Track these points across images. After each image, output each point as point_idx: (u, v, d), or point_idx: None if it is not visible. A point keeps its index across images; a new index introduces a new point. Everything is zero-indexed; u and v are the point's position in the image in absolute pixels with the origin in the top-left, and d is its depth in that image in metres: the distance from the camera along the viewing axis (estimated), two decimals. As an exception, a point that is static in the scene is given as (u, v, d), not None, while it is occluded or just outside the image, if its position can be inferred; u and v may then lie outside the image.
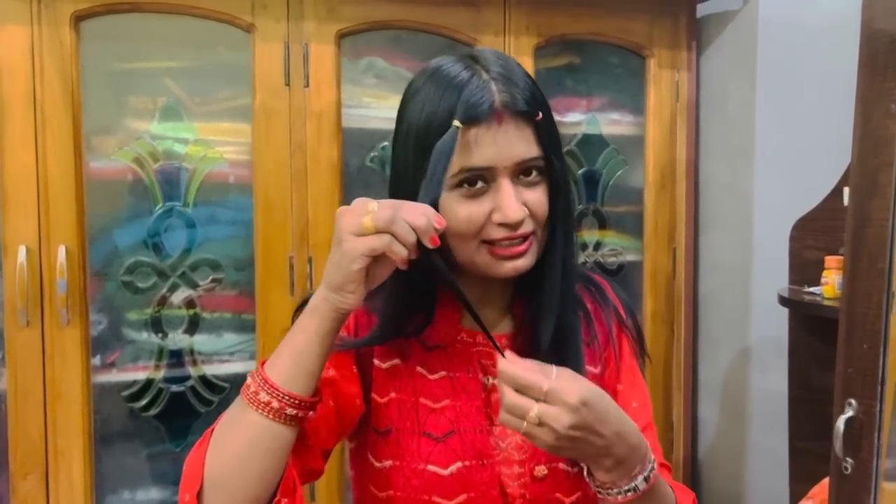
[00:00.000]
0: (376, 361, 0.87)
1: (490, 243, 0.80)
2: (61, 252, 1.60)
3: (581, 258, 2.07)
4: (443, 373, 0.87)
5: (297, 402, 0.73)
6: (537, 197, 0.80)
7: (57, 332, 1.62)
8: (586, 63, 2.07)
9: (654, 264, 2.11)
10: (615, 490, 0.76)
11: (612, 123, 2.09)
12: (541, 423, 0.70)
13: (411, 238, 0.70)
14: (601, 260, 2.09)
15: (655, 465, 0.78)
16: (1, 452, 1.62)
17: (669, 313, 2.13)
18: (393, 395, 0.87)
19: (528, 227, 0.80)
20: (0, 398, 1.63)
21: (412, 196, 0.77)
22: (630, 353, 0.93)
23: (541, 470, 0.86)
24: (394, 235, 0.70)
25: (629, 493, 0.76)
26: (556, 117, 2.03)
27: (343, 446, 1.03)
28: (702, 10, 2.09)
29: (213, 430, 0.77)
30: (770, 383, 1.95)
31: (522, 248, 0.80)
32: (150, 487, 1.81)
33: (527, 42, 1.91)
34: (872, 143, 1.55)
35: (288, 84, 1.75)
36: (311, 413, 0.76)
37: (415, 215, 0.71)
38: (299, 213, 1.76)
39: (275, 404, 0.73)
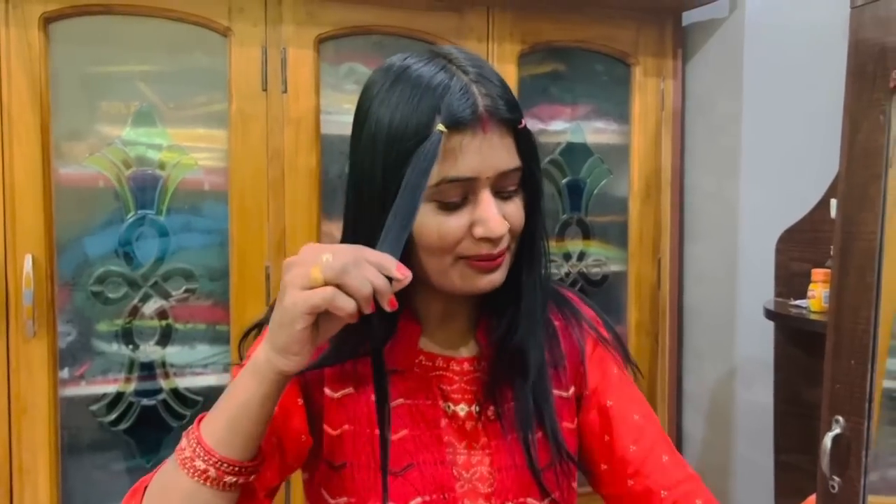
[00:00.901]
0: (327, 391, 0.81)
1: (466, 257, 0.74)
2: (28, 261, 1.55)
3: (565, 268, 2.04)
4: (400, 400, 0.81)
5: (234, 468, 0.68)
6: (515, 209, 0.75)
7: (22, 344, 1.57)
8: (571, 71, 2.04)
9: (638, 275, 2.08)
10: None
11: (597, 132, 2.06)
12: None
13: (365, 291, 0.63)
14: (585, 270, 2.06)
15: None
16: (-37, 469, 1.56)
17: (654, 324, 2.10)
18: (346, 426, 0.80)
19: (505, 242, 0.75)
20: (-38, 412, 1.57)
21: (378, 205, 0.72)
22: (617, 365, 0.88)
23: None
24: (343, 288, 0.63)
25: None
26: (540, 125, 2.00)
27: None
28: (688, 19, 2.07)
29: (143, 485, 0.72)
30: (756, 396, 1.92)
31: (499, 261, 0.76)
32: (121, 504, 1.76)
33: (510, 49, 1.88)
34: (861, 155, 1.52)
35: (265, 89, 1.70)
36: (251, 477, 0.71)
37: (371, 271, 0.64)
38: (276, 222, 1.72)
39: (211, 472, 0.67)
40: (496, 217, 0.72)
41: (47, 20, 1.57)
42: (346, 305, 0.63)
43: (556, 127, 2.01)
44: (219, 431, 0.68)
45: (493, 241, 0.73)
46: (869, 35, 1.43)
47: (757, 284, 1.89)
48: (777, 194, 1.89)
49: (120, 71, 1.66)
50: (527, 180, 0.76)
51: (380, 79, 0.76)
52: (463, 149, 0.70)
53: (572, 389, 0.86)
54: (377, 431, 0.79)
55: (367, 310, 0.64)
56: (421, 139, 0.70)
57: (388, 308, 0.65)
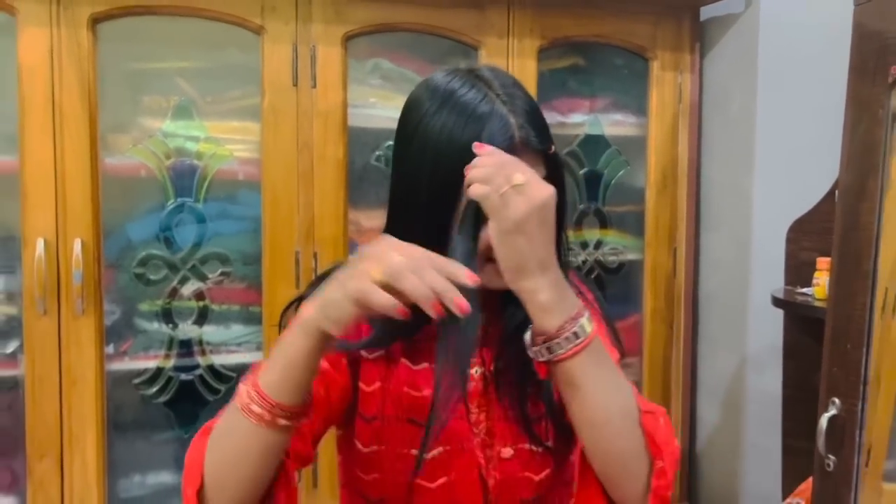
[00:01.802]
0: (363, 353, 0.93)
1: (493, 260, 0.83)
2: (77, 245, 1.68)
3: (582, 256, 2.11)
4: (425, 364, 0.92)
5: (287, 412, 0.78)
6: None
7: (72, 321, 1.70)
8: (591, 64, 2.11)
9: (654, 263, 2.14)
10: (564, 335, 0.77)
11: (615, 124, 2.12)
12: (519, 191, 0.74)
13: (420, 293, 0.71)
14: (601, 258, 2.13)
15: (592, 321, 0.80)
16: (18, 435, 1.70)
17: (669, 312, 2.17)
18: (378, 384, 0.92)
19: None
20: (18, 384, 1.71)
21: (423, 213, 0.84)
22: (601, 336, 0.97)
23: (507, 451, 0.91)
24: (400, 290, 0.72)
25: (578, 341, 0.77)
26: (559, 118, 2.07)
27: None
28: (705, 13, 2.11)
29: (210, 426, 0.82)
30: (766, 383, 1.98)
31: None
32: (161, 471, 1.89)
33: (530, 44, 1.95)
34: (861, 148, 1.57)
35: (296, 84, 1.80)
36: (301, 420, 0.81)
37: (433, 276, 0.72)
38: (305, 210, 1.82)
39: (266, 416, 0.77)
40: None
41: (95, 21, 1.68)
42: (389, 304, 0.71)
43: (574, 119, 2.08)
44: (272, 381, 0.77)
45: None
46: (870, 31, 1.48)
47: (768, 273, 1.95)
48: (789, 186, 1.93)
49: (161, 67, 1.78)
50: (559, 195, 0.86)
51: (427, 99, 0.86)
52: None
53: None
54: (405, 389, 0.91)
55: (432, 312, 0.72)
56: (465, 161, 0.79)
57: (456, 311, 0.72)
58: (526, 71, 1.95)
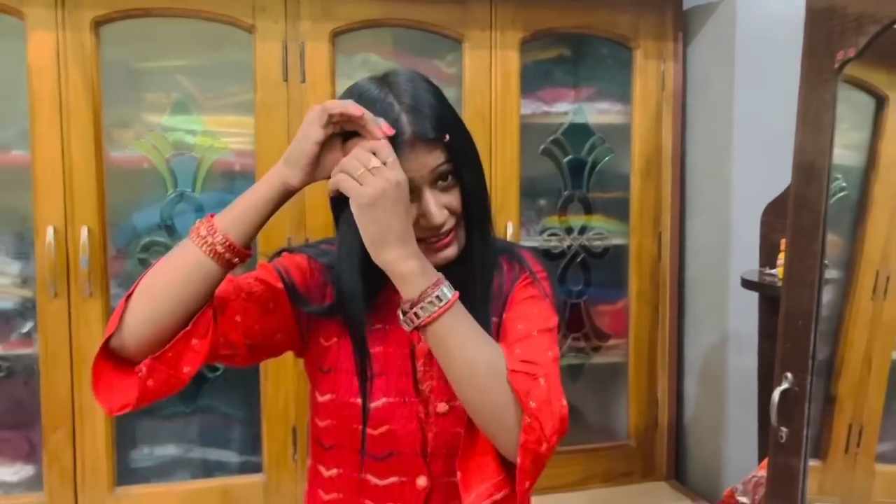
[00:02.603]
0: None
1: (421, 240, 0.94)
2: (84, 232, 1.81)
3: (567, 242, 2.18)
4: (379, 325, 1.03)
5: (231, 246, 0.90)
6: (453, 199, 0.96)
7: (81, 303, 1.83)
8: (576, 55, 2.18)
9: (639, 248, 2.20)
10: (427, 300, 0.87)
11: (600, 113, 2.18)
12: (374, 173, 0.85)
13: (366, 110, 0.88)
14: (587, 243, 2.20)
15: (453, 289, 0.90)
16: (34, 408, 1.84)
17: (655, 295, 2.23)
18: (335, 339, 1.04)
19: (450, 225, 0.96)
20: (33, 360, 1.85)
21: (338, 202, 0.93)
22: (524, 292, 1.04)
23: (442, 406, 1.01)
24: (346, 110, 0.88)
25: (440, 304, 0.87)
26: (544, 107, 2.14)
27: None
28: (688, 3, 2.16)
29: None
30: (745, 362, 2.03)
31: (448, 240, 0.97)
32: (167, 444, 2.02)
33: (512, 36, 2.03)
34: (811, 130, 1.64)
35: (286, 80, 1.91)
36: (244, 262, 0.92)
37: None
38: (297, 199, 1.88)
39: (218, 248, 0.89)
40: (436, 210, 0.94)
41: (97, 23, 1.81)
42: (356, 109, 0.87)
43: (559, 108, 2.15)
44: (226, 218, 0.91)
45: (436, 227, 0.95)
46: (820, 17, 1.54)
47: (746, 256, 1.99)
48: (766, 170, 1.97)
49: (160, 66, 1.90)
50: (458, 172, 0.96)
51: (345, 96, 0.97)
52: (401, 160, 0.90)
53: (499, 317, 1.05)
54: (367, 347, 1.02)
55: (376, 131, 0.88)
56: None
57: (379, 133, 0.88)
58: (509, 62, 2.03)
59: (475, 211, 0.98)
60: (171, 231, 1.92)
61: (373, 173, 0.86)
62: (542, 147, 2.15)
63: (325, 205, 1.93)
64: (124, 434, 1.96)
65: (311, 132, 0.89)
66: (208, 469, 2.03)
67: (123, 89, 1.88)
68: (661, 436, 2.27)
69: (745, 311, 2.03)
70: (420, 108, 0.93)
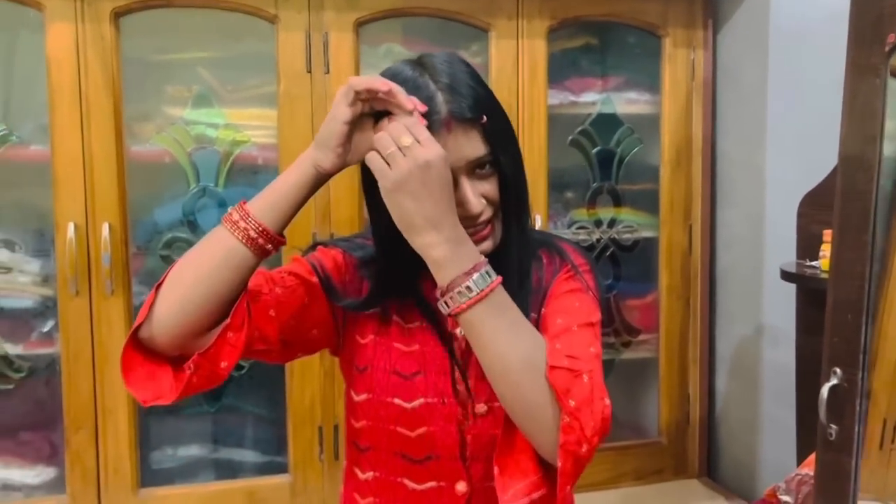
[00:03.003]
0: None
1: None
2: (105, 229, 1.77)
3: (596, 235, 2.14)
4: (416, 323, 0.99)
5: (264, 232, 0.87)
6: (491, 188, 0.91)
7: (103, 301, 1.79)
8: (603, 44, 2.13)
9: (669, 240, 2.15)
10: (456, 289, 0.83)
11: (628, 103, 2.14)
12: (405, 153, 0.81)
13: (395, 84, 0.84)
14: (616, 236, 2.15)
15: (495, 275, 0.85)
16: (56, 409, 1.80)
17: (685, 288, 2.18)
18: (371, 336, 1.00)
19: (487, 215, 0.91)
20: (55, 360, 1.82)
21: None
22: (564, 285, 0.98)
23: (481, 408, 0.96)
24: (374, 86, 0.84)
25: (471, 294, 0.83)
26: (571, 97, 2.09)
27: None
28: (718, -11, 2.11)
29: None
30: (781, 356, 1.98)
31: (486, 231, 0.92)
32: (190, 445, 1.98)
33: (539, 25, 1.98)
34: (859, 118, 1.58)
35: (309, 71, 1.86)
36: (270, 247, 0.88)
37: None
38: (321, 193, 1.85)
39: (252, 233, 0.86)
40: (473, 199, 0.89)
41: (117, 14, 1.77)
42: (383, 84, 0.83)
43: (586, 99, 2.10)
44: (259, 203, 0.88)
45: (473, 217, 0.90)
46: (869, 2, 1.48)
47: (782, 248, 1.94)
48: (801, 159, 1.93)
49: (181, 58, 1.86)
50: (497, 161, 0.91)
51: None
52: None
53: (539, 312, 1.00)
54: (395, 343, 0.99)
55: (406, 103, 0.84)
56: None
57: (409, 104, 0.84)
58: (536, 51, 1.98)
59: (513, 201, 0.93)
60: (194, 227, 1.88)
61: (404, 153, 0.81)
62: (570, 138, 2.11)
63: (350, 198, 1.90)
64: (147, 434, 1.92)
65: (339, 111, 0.85)
66: (233, 470, 1.99)
67: (144, 82, 1.84)
68: (692, 432, 2.22)
69: (780, 304, 1.98)
70: (457, 88, 0.88)
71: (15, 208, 1.83)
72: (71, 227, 1.75)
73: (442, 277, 0.84)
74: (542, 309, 0.97)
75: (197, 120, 1.86)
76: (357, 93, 0.84)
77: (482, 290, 0.84)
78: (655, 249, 2.17)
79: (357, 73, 1.89)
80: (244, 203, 0.89)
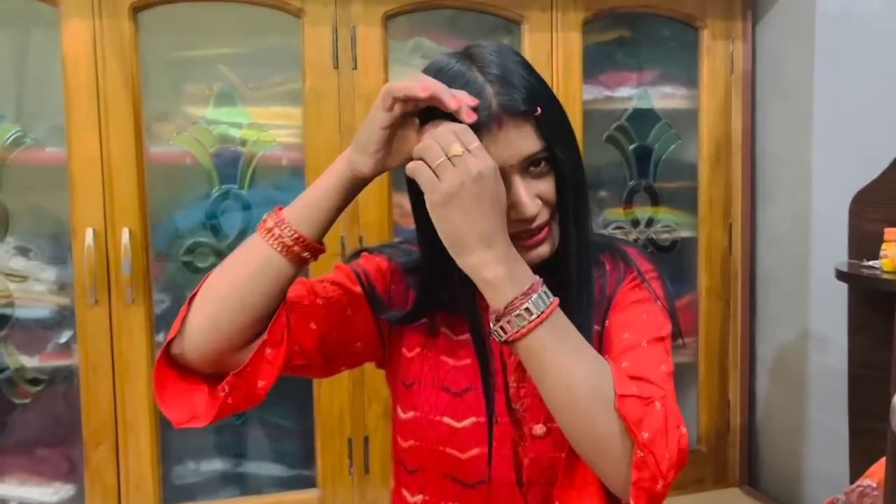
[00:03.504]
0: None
1: (512, 235, 0.81)
2: (125, 234, 1.68)
3: (633, 235, 2.05)
4: (466, 335, 0.91)
5: (301, 239, 0.81)
6: (547, 187, 0.83)
7: (123, 310, 1.71)
8: (638, 36, 2.05)
9: (709, 240, 2.07)
10: (514, 312, 0.75)
11: (665, 97, 2.06)
12: (455, 163, 0.74)
13: (439, 84, 0.76)
14: (654, 237, 2.07)
15: (552, 296, 0.77)
16: (74, 423, 1.72)
17: (725, 289, 2.10)
18: (418, 350, 0.93)
19: (543, 218, 0.83)
20: (73, 372, 1.73)
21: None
22: (630, 295, 0.90)
23: (539, 429, 0.88)
24: (421, 89, 0.76)
25: (531, 318, 0.75)
26: (606, 92, 2.01)
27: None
28: (758, -22, 2.03)
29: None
30: (830, 360, 1.90)
31: (542, 235, 0.84)
32: (214, 459, 1.90)
33: (574, 17, 1.90)
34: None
35: (336, 67, 1.78)
36: (308, 256, 0.83)
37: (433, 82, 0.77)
38: None
39: (287, 240, 0.81)
40: (528, 201, 0.81)
41: (136, 9, 1.68)
42: (422, 89, 0.76)
43: (622, 93, 2.02)
44: (295, 210, 0.82)
45: (528, 220, 0.82)
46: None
47: (831, 247, 1.86)
48: (851, 154, 1.85)
49: (202, 55, 1.78)
50: (553, 157, 0.83)
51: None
52: (485, 143, 0.78)
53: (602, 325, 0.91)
54: (443, 357, 0.91)
55: (451, 102, 0.76)
56: None
57: (453, 104, 0.76)
58: (571, 45, 1.90)
59: (572, 201, 0.85)
60: (217, 231, 1.79)
61: (454, 163, 0.73)
62: (606, 134, 2.02)
63: (380, 200, 1.81)
64: (169, 449, 1.83)
65: (377, 115, 0.79)
66: (259, 484, 1.91)
67: (164, 80, 1.76)
68: (733, 440, 2.14)
69: (827, 306, 1.90)
70: (508, 79, 0.80)
71: (30, 213, 1.75)
72: (89, 232, 1.66)
73: (497, 300, 0.77)
74: (607, 321, 0.89)
75: (219, 119, 1.78)
76: (394, 98, 0.77)
77: (542, 312, 0.76)
78: (694, 249, 2.09)
79: (386, 68, 1.81)
80: (280, 209, 0.83)
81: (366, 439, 1.85)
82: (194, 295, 0.83)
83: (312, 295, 0.88)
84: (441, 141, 0.75)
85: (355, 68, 1.79)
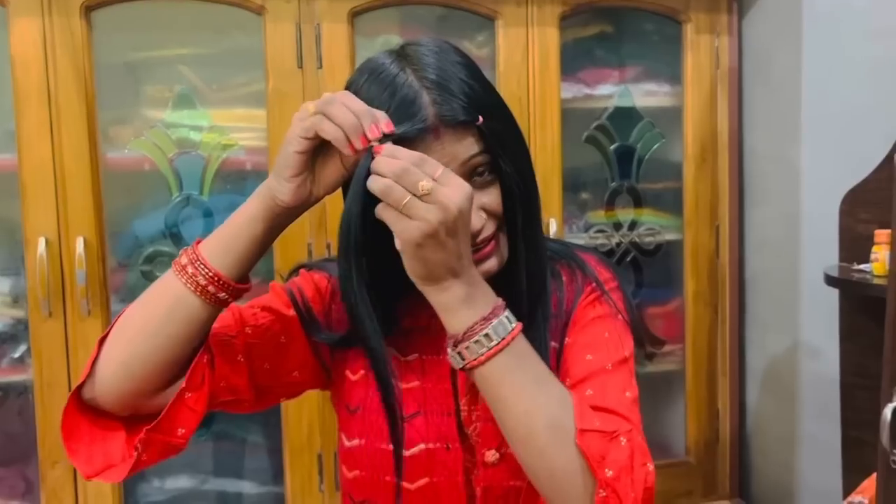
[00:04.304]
0: None
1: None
2: (79, 243, 1.61)
3: (616, 239, 1.98)
4: (415, 355, 0.85)
5: (216, 278, 0.73)
6: (492, 199, 0.77)
7: (79, 322, 1.64)
8: (619, 31, 1.97)
9: (695, 243, 1.99)
10: (473, 338, 0.70)
11: (647, 95, 1.98)
12: (427, 200, 0.66)
13: (348, 120, 0.68)
14: (637, 240, 1.99)
15: (515, 321, 0.72)
16: (29, 442, 1.65)
17: (713, 295, 2.02)
18: (362, 372, 0.86)
19: (488, 231, 0.77)
20: (27, 389, 1.66)
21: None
22: (590, 311, 0.84)
23: (491, 455, 0.82)
24: (328, 116, 0.69)
25: (490, 344, 0.70)
26: (586, 90, 1.93)
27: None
28: (744, -30, 1.95)
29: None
30: (822, 368, 1.82)
31: (488, 249, 0.77)
32: (179, 475, 1.83)
33: (551, 11, 1.82)
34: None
35: (301, 66, 1.71)
36: (235, 298, 0.76)
37: (356, 106, 0.69)
38: None
39: (201, 280, 0.73)
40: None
41: (88, 8, 1.61)
42: (330, 129, 0.69)
43: (602, 91, 1.94)
44: (213, 245, 0.75)
45: (472, 234, 0.74)
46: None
47: (821, 250, 1.79)
48: (841, 153, 1.77)
49: (160, 55, 1.71)
50: (497, 166, 0.76)
51: (355, 79, 0.78)
52: (424, 152, 0.70)
53: (559, 341, 0.85)
54: (392, 381, 0.83)
55: (357, 143, 0.68)
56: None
57: (370, 134, 0.68)
58: (547, 40, 1.82)
59: (520, 212, 0.78)
60: (178, 239, 1.72)
61: (425, 200, 0.66)
62: (586, 134, 1.94)
63: (348, 205, 1.73)
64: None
65: (292, 139, 0.71)
66: (226, 502, 1.83)
67: (119, 82, 1.69)
68: (722, 450, 2.05)
69: (819, 311, 1.83)
70: (446, 84, 0.73)
71: (-20, 223, 1.68)
72: (42, 242, 1.59)
73: (454, 324, 0.71)
74: (566, 339, 0.83)
75: (179, 122, 1.70)
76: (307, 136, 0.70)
77: (503, 339, 0.70)
78: (680, 253, 2.01)
79: (353, 67, 1.73)
80: (198, 242, 0.76)
81: (336, 455, 1.77)
82: (105, 336, 0.76)
83: (240, 324, 0.82)
84: (403, 180, 0.66)
85: (320, 68, 1.71)
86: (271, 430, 1.80)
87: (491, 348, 0.70)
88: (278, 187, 0.72)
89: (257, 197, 0.74)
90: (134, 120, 1.70)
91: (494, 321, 0.70)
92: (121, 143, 1.69)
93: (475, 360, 0.70)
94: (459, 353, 0.71)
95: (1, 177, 1.62)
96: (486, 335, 0.70)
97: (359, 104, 0.70)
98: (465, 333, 0.70)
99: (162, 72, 1.71)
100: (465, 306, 0.70)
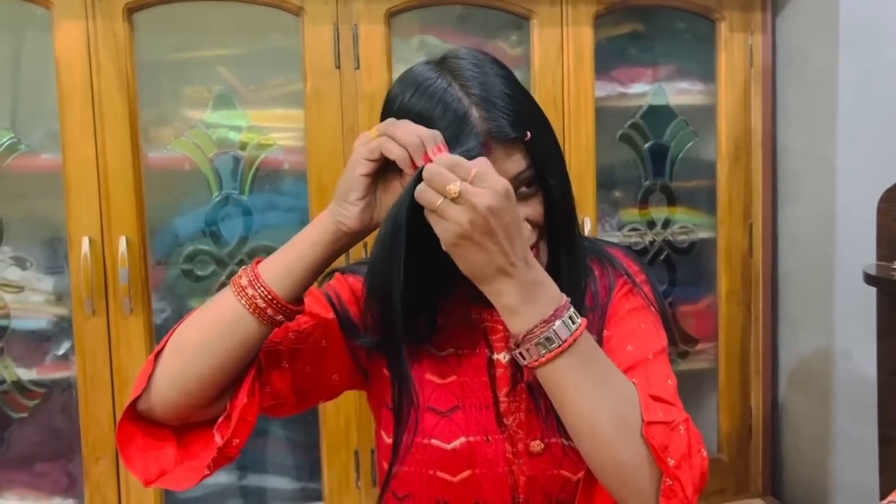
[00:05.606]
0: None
1: None
2: (122, 242, 1.63)
3: (649, 237, 1.98)
4: (450, 350, 0.87)
5: (275, 301, 0.76)
6: (534, 209, 0.80)
7: (121, 320, 1.66)
8: (651, 30, 1.97)
9: (728, 241, 1.99)
10: (534, 340, 0.71)
11: (681, 93, 1.98)
12: (458, 202, 0.67)
13: (412, 140, 0.71)
14: (671, 238, 1.99)
15: (579, 320, 0.73)
16: (73, 437, 1.68)
17: (746, 293, 2.02)
18: None
19: (531, 240, 0.79)
20: (71, 385, 1.69)
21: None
22: (625, 303, 0.87)
23: (536, 445, 0.84)
24: (392, 137, 0.72)
25: (552, 346, 0.71)
26: (619, 89, 1.93)
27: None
28: (778, -32, 1.95)
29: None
30: (857, 367, 1.82)
31: None
32: (218, 472, 1.84)
33: (585, 11, 1.82)
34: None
35: (338, 67, 1.72)
36: (290, 319, 0.79)
37: (418, 128, 0.72)
38: None
39: (260, 302, 0.76)
40: None
41: (130, 10, 1.63)
42: (395, 149, 0.72)
43: (636, 90, 1.94)
44: (273, 269, 0.77)
45: None
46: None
47: (857, 248, 1.78)
48: (878, 151, 1.76)
49: (200, 56, 1.73)
50: (542, 179, 0.79)
51: (399, 93, 0.80)
52: None
53: (595, 335, 0.87)
54: (427, 376, 0.87)
55: (419, 162, 0.71)
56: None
57: (421, 164, 0.71)
58: (582, 40, 1.83)
59: (561, 221, 0.81)
60: (217, 238, 1.74)
61: (457, 202, 0.67)
62: (620, 133, 1.95)
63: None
64: (171, 462, 1.78)
65: (357, 161, 0.75)
66: (263, 497, 1.86)
67: (160, 83, 1.71)
68: (755, 448, 2.05)
69: (854, 310, 1.82)
70: (492, 100, 0.75)
71: (26, 222, 1.70)
72: (85, 241, 1.62)
73: (515, 326, 0.72)
74: (604, 331, 0.85)
75: (218, 123, 1.72)
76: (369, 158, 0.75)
77: (565, 340, 0.71)
78: (713, 251, 2.01)
79: (390, 67, 1.74)
80: (258, 263, 0.78)
81: (373, 451, 1.79)
82: (160, 350, 0.79)
83: (284, 330, 0.84)
84: (435, 183, 0.68)
85: (358, 68, 1.73)
86: (308, 427, 1.82)
87: (552, 350, 0.71)
88: (343, 212, 0.75)
89: (319, 223, 0.77)
90: (174, 120, 1.72)
91: (556, 323, 0.71)
92: (162, 143, 1.71)
93: (536, 361, 0.72)
94: (521, 354, 0.72)
95: (46, 177, 1.64)
96: (548, 338, 0.71)
97: (419, 127, 0.73)
98: (524, 336, 0.71)
99: (201, 73, 1.72)
100: (524, 307, 0.71)
